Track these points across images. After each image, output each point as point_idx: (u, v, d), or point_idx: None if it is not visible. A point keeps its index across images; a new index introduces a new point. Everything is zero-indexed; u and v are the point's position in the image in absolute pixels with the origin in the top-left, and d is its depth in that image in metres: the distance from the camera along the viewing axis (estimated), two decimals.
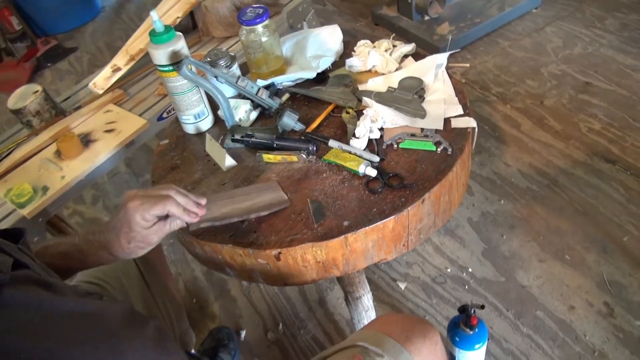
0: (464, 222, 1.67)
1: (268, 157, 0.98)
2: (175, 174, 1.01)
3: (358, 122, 0.96)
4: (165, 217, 0.73)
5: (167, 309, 0.97)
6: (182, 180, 0.99)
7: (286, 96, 1.12)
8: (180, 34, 0.98)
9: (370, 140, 0.96)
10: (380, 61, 1.09)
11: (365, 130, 0.94)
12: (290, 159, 0.97)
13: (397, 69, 1.10)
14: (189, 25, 1.63)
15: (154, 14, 0.93)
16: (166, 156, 1.06)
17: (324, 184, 0.91)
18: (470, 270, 1.53)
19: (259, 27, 1.10)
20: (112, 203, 2.07)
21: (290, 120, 0.97)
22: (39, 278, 0.50)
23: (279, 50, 1.16)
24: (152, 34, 0.95)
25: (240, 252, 0.85)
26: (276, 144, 0.98)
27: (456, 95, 1.02)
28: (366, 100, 1.01)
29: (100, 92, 1.41)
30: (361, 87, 1.09)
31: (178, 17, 1.52)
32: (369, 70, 1.13)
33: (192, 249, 0.95)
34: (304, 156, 0.96)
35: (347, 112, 1.03)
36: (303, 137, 0.98)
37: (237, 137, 1.01)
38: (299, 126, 0.99)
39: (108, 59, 1.49)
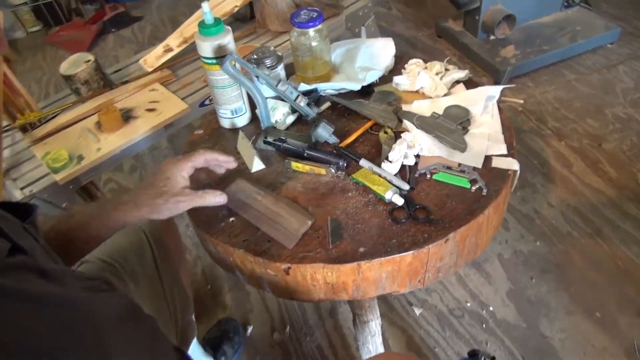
0: (493, 257, 1.60)
1: (297, 165, 0.95)
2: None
3: (394, 146, 0.92)
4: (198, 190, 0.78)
5: (175, 299, 0.97)
6: (208, 175, 0.97)
7: (327, 104, 1.09)
8: (229, 28, 0.97)
9: (403, 166, 0.92)
10: (429, 83, 1.05)
11: (399, 156, 0.90)
12: (319, 171, 0.94)
13: (445, 95, 1.05)
14: (247, 15, 1.63)
15: (205, 5, 0.92)
16: (197, 147, 1.05)
17: (347, 203, 0.88)
18: (491, 308, 1.47)
19: (311, 31, 1.07)
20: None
21: (324, 132, 0.95)
22: (35, 265, 0.48)
23: (327, 56, 1.14)
24: (201, 25, 0.94)
25: (251, 259, 0.84)
26: (307, 154, 0.95)
27: (503, 133, 0.96)
28: (406, 123, 0.96)
29: (150, 69, 1.43)
30: (405, 107, 1.05)
31: (236, 6, 1.51)
32: (416, 91, 1.08)
33: (206, 246, 0.95)
34: (333, 171, 0.93)
35: (385, 132, 0.99)
36: (335, 151, 0.96)
37: (270, 139, 0.99)
38: (332, 139, 0.96)
39: (169, 32, 1.51)
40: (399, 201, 0.85)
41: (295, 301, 1.57)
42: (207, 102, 1.37)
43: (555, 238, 1.62)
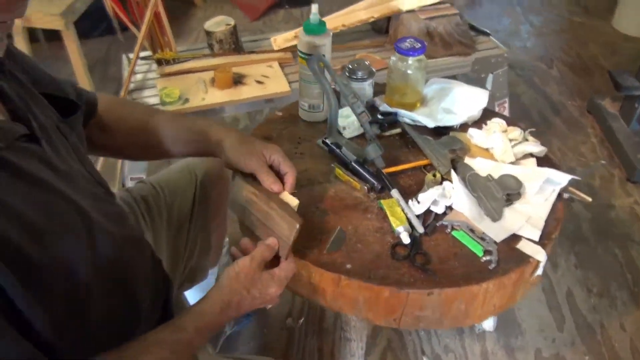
0: (530, 349, 1.49)
1: (339, 172, 1.01)
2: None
3: (426, 189, 0.93)
4: None
5: (196, 240, 1.09)
6: None
7: (397, 130, 1.13)
8: (330, 32, 1.05)
9: (429, 211, 0.93)
10: (499, 146, 1.03)
11: (428, 200, 0.91)
12: (355, 184, 0.99)
13: (511, 162, 1.02)
14: (384, 28, 1.70)
15: (314, 7, 1.02)
16: (270, 125, 1.16)
17: (361, 222, 0.92)
18: None
19: (409, 59, 1.11)
20: None
21: (372, 152, 0.99)
22: (46, 157, 0.59)
23: (419, 87, 1.17)
24: (306, 22, 1.04)
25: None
26: (351, 166, 1.01)
27: (548, 221, 0.92)
28: (453, 174, 0.97)
29: (276, 48, 1.58)
30: (467, 160, 1.04)
31: (373, 17, 1.59)
32: (487, 149, 1.07)
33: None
34: (366, 189, 0.97)
35: (434, 175, 1.00)
36: (375, 173, 0.99)
37: (328, 141, 1.06)
38: (379, 161, 1.00)
39: None
40: (406, 240, 0.87)
41: None
42: None
43: None
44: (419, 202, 0.93)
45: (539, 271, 0.89)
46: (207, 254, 1.14)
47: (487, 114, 1.18)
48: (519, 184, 0.95)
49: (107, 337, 0.65)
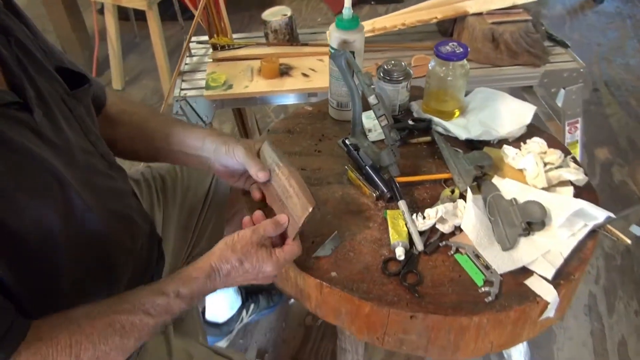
0: None
1: (351, 175, 0.97)
2: (285, 136, 1.09)
3: (439, 204, 0.86)
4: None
5: (207, 225, 1.09)
6: (283, 145, 1.06)
7: (427, 138, 1.06)
8: (362, 27, 1.01)
9: (434, 228, 0.86)
10: (532, 169, 0.92)
11: (434, 216, 0.84)
12: (364, 190, 0.94)
13: (543, 188, 0.91)
14: (449, 31, 1.60)
15: (347, 2, 0.98)
16: (296, 119, 1.14)
17: (362, 231, 0.87)
18: None
19: (450, 64, 1.04)
20: None
21: (386, 158, 0.93)
22: (35, 126, 0.61)
23: (458, 94, 1.08)
24: (339, 17, 1.00)
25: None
26: (365, 170, 0.96)
27: (569, 259, 0.80)
28: (469, 192, 0.88)
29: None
30: (495, 180, 0.95)
31: (436, 18, 1.50)
32: (520, 170, 0.96)
33: None
34: (374, 196, 0.92)
35: (452, 191, 0.93)
36: (388, 181, 0.94)
37: (348, 142, 1.02)
38: (394, 169, 0.94)
39: None
40: (400, 256, 0.81)
41: None
42: None
43: None
44: (424, 218, 0.86)
45: (549, 313, 0.78)
46: (217, 241, 1.15)
47: (533, 131, 1.06)
48: (544, 212, 0.84)
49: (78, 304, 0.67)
